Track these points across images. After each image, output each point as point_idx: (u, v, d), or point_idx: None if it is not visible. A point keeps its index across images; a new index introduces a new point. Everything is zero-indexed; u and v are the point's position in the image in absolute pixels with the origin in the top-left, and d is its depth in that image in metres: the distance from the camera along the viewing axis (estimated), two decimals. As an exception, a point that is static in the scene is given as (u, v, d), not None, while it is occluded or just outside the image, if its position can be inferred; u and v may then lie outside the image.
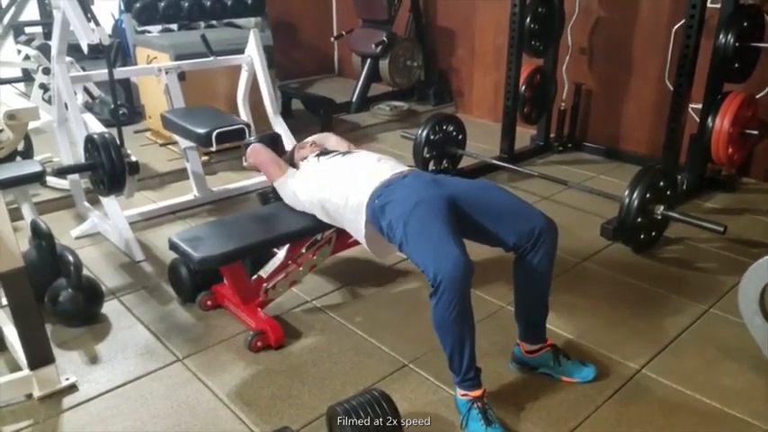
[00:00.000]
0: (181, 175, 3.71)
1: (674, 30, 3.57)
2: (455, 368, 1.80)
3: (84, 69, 3.78)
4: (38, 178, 2.82)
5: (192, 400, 1.98)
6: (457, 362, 1.78)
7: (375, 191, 2.01)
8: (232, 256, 2.18)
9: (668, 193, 2.80)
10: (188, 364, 2.15)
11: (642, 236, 2.81)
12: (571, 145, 4.27)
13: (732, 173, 3.63)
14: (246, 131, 3.02)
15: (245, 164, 2.57)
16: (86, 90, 4.02)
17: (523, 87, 3.88)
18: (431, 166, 3.62)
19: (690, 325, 2.35)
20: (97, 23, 2.87)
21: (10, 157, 3.00)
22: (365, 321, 2.38)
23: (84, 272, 2.42)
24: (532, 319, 2.02)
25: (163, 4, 4.34)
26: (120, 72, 3.53)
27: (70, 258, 2.33)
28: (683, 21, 3.15)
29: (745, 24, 3.10)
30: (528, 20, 3.67)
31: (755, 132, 3.27)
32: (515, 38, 3.70)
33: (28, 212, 2.85)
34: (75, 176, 3.18)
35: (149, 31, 4.74)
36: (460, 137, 3.71)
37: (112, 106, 3.20)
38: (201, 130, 2.95)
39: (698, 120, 3.34)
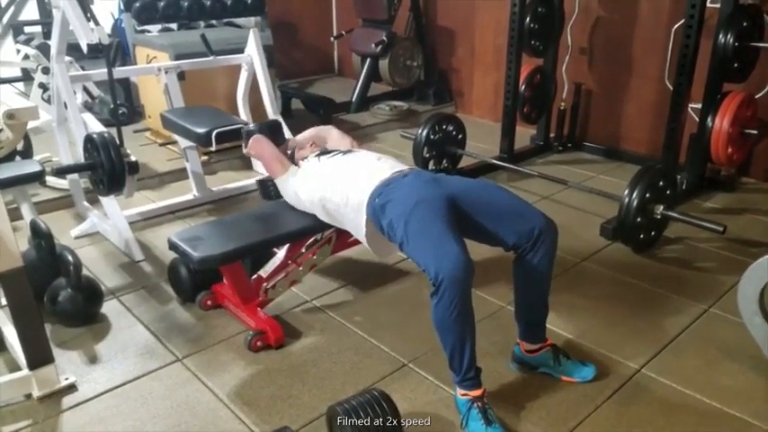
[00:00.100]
0: (180, 174, 3.71)
1: (673, 29, 3.57)
2: (455, 368, 1.80)
3: (83, 69, 3.78)
4: (37, 178, 2.82)
5: (191, 400, 1.98)
6: (457, 361, 1.78)
7: (375, 190, 2.00)
8: (232, 255, 2.18)
9: (668, 192, 2.80)
10: (188, 364, 2.15)
11: (642, 235, 2.81)
12: (571, 145, 4.27)
13: (732, 173, 3.63)
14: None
15: (244, 151, 2.55)
16: (86, 90, 4.01)
17: (523, 87, 3.88)
18: (430, 166, 3.62)
19: (690, 325, 2.35)
20: (97, 23, 2.87)
21: (9, 157, 2.99)
22: (365, 321, 2.38)
23: (84, 272, 2.42)
24: (532, 319, 2.02)
25: (162, 3, 4.34)
26: (120, 72, 3.53)
27: (70, 258, 2.33)
28: (682, 20, 3.15)
29: (745, 24, 3.10)
30: (528, 20, 3.67)
31: (755, 132, 3.27)
32: (515, 38, 3.70)
33: (27, 212, 2.85)
34: (75, 176, 3.18)
35: (149, 31, 4.74)
36: (460, 137, 3.71)
37: (112, 106, 3.19)
38: (201, 130, 2.95)
39: (698, 119, 3.34)
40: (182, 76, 3.57)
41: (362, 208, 2.03)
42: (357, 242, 2.34)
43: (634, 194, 2.68)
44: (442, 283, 1.67)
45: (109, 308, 2.47)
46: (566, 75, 4.22)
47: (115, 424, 1.89)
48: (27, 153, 3.47)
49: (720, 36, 3.09)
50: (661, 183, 2.76)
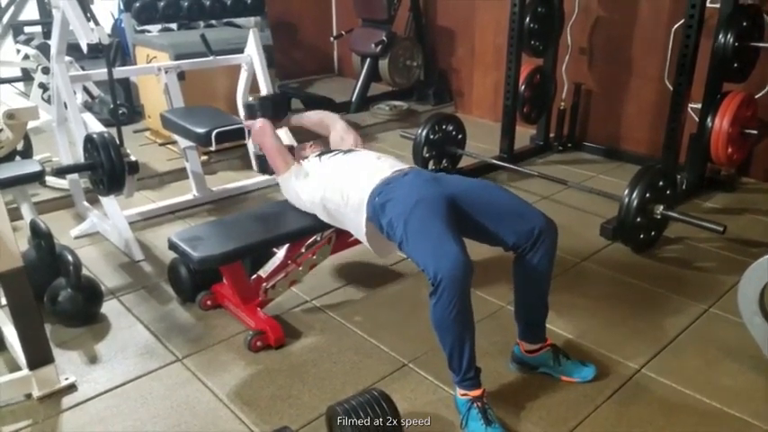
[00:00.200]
0: (180, 174, 3.71)
1: (673, 29, 3.57)
2: (455, 368, 1.80)
3: (83, 69, 3.78)
4: (37, 178, 2.82)
5: (191, 400, 1.98)
6: (456, 361, 1.78)
7: (375, 188, 2.00)
8: (232, 255, 2.18)
9: (668, 192, 2.80)
10: (188, 364, 2.15)
11: (642, 235, 2.81)
12: (571, 145, 4.27)
13: (732, 172, 3.63)
14: (246, 131, 3.02)
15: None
16: (86, 89, 4.01)
17: (523, 87, 3.87)
18: (430, 166, 3.62)
19: (690, 325, 2.35)
20: (97, 23, 2.87)
21: (9, 157, 2.99)
22: (365, 321, 2.38)
23: (84, 271, 2.42)
24: (532, 319, 2.02)
25: (162, 3, 4.34)
26: (120, 71, 3.52)
27: (69, 258, 2.33)
28: (682, 20, 3.15)
29: (745, 24, 3.10)
30: (528, 19, 3.66)
31: (755, 132, 3.27)
32: (515, 38, 3.70)
33: (27, 212, 2.85)
34: (75, 176, 3.18)
35: (149, 31, 4.74)
36: (460, 136, 3.71)
37: (112, 106, 3.19)
38: (201, 130, 2.95)
39: (697, 119, 3.33)
40: (182, 76, 3.57)
41: (363, 207, 2.03)
42: (357, 242, 2.34)
43: (634, 194, 2.68)
44: (440, 282, 1.67)
45: (109, 308, 2.47)
46: (565, 75, 4.22)
47: (115, 424, 1.89)
48: (27, 153, 3.47)
49: (720, 36, 3.09)
50: (661, 183, 2.76)
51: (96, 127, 2.98)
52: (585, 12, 4.11)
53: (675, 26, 3.54)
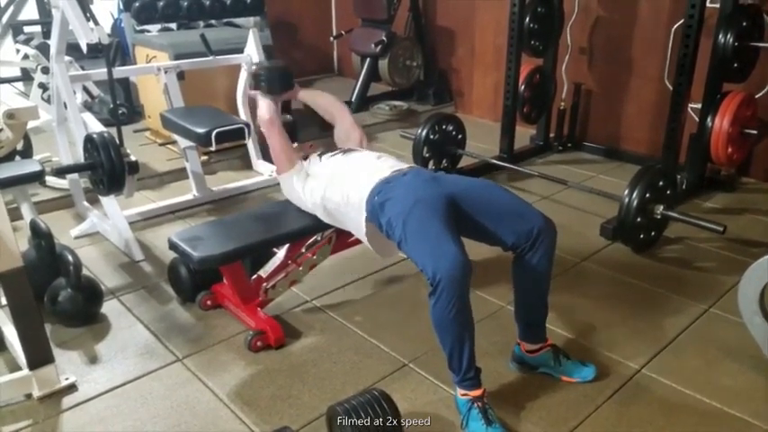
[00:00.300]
0: (180, 174, 3.71)
1: (673, 29, 3.57)
2: (455, 368, 1.80)
3: (83, 68, 3.78)
4: (37, 178, 2.82)
5: (191, 400, 1.98)
6: (456, 361, 1.78)
7: (375, 187, 2.00)
8: (232, 255, 2.18)
9: (668, 192, 2.80)
10: (188, 364, 2.15)
11: (642, 235, 2.81)
12: (571, 145, 4.27)
13: (732, 172, 3.63)
14: (246, 131, 3.03)
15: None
16: (85, 89, 4.01)
17: (523, 87, 3.87)
18: (430, 166, 3.62)
19: (690, 325, 2.35)
20: (96, 23, 2.86)
21: (9, 157, 2.99)
22: (365, 321, 2.38)
23: (84, 271, 2.42)
24: (532, 319, 2.02)
25: (162, 3, 4.32)
26: (120, 71, 3.53)
27: (69, 258, 2.33)
28: (682, 20, 3.15)
29: (745, 24, 3.10)
30: (527, 20, 3.66)
31: (755, 132, 3.27)
32: (515, 38, 3.70)
33: (27, 212, 2.85)
34: (75, 176, 3.17)
35: (148, 31, 4.73)
36: (460, 136, 3.71)
37: (112, 106, 3.19)
38: (201, 130, 2.95)
39: (698, 119, 3.34)
40: (181, 75, 3.57)
41: (362, 207, 2.03)
42: (357, 242, 2.34)
43: (634, 194, 2.68)
44: (439, 282, 1.67)
45: (109, 308, 2.47)
46: (565, 75, 4.22)
47: (115, 424, 1.89)
48: (27, 153, 3.47)
49: (720, 36, 3.09)
50: (661, 183, 2.76)
51: (96, 127, 2.98)
52: (585, 12, 4.11)
53: (675, 26, 3.54)
